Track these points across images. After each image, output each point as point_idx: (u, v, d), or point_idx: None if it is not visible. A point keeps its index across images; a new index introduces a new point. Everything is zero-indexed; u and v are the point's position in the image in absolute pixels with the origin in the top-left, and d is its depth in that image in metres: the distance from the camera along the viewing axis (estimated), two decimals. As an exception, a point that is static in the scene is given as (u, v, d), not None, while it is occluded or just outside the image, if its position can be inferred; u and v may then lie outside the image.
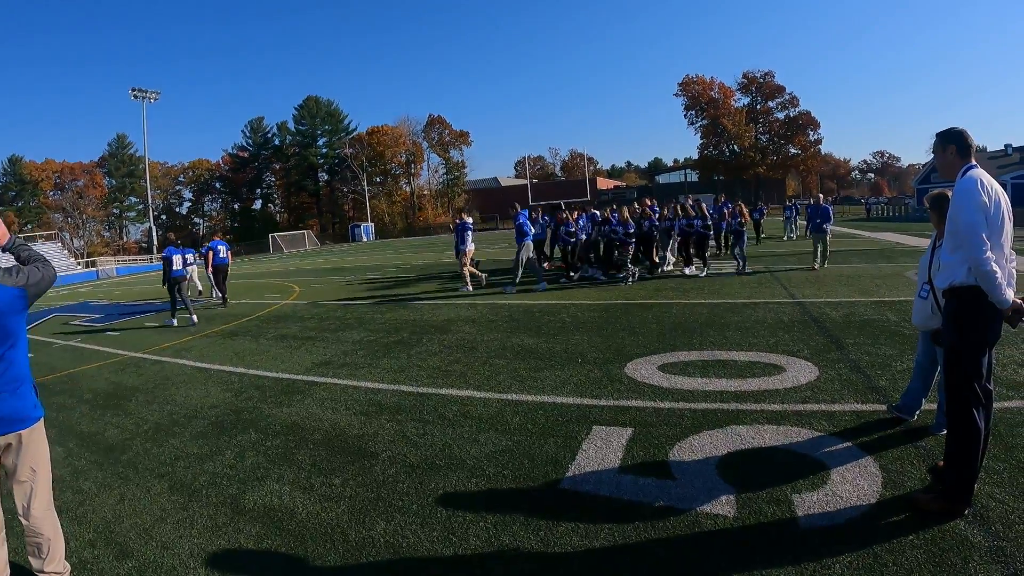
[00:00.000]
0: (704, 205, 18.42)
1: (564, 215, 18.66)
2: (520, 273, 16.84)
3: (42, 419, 3.85)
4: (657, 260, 18.74)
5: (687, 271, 17.61)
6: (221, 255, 19.09)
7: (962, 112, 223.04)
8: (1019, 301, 3.77)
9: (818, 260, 16.96)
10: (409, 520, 4.45)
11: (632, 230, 16.63)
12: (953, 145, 4.07)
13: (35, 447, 3.76)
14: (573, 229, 17.96)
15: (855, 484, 4.36)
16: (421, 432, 6.25)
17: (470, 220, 17.77)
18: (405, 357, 9.58)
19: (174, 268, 15.92)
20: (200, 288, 23.29)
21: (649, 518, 4.19)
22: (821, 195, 18.94)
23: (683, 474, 4.78)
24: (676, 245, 19.39)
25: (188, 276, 16.65)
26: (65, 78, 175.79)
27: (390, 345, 10.61)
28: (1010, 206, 3.98)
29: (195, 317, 15.85)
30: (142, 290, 30.87)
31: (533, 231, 17.13)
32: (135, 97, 71.19)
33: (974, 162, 4.01)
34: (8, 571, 3.84)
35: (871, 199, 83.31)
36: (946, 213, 4.98)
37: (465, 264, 17.48)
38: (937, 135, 4.18)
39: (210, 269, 19.33)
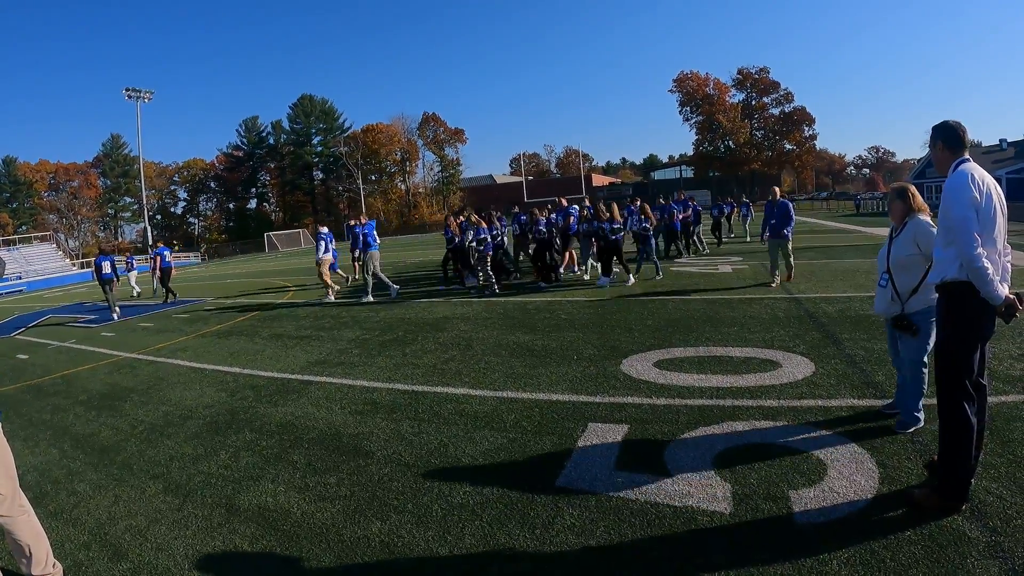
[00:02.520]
0: (615, 206, 15.95)
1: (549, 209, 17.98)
2: (386, 278, 17.15)
3: None
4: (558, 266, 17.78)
5: (586, 277, 16.97)
6: (167, 259, 22.50)
7: (958, 107, 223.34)
8: (1012, 297, 3.73)
9: (778, 275, 13.75)
10: (404, 519, 4.44)
11: (482, 235, 16.19)
12: (940, 140, 4.05)
13: None
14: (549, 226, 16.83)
15: (852, 480, 4.35)
16: (416, 431, 6.23)
17: (325, 230, 18.14)
18: (400, 355, 9.57)
19: (103, 272, 19.21)
20: (138, 290, 26.28)
21: (645, 515, 4.18)
22: (777, 189, 14.95)
23: (679, 470, 4.77)
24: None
25: (118, 279, 20.10)
26: (59, 79, 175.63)
27: (385, 343, 10.60)
28: (1003, 200, 3.94)
29: (115, 315, 18.52)
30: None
31: (375, 243, 17.20)
32: (129, 97, 70.78)
33: (967, 156, 3.96)
34: None
35: (859, 194, 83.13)
36: (909, 205, 5.06)
37: (322, 272, 17.81)
38: (932, 129, 4.14)
39: (157, 272, 22.67)
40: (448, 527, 4.27)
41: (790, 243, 13.86)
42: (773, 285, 13.29)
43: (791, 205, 14.09)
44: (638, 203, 17.70)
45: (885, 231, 5.02)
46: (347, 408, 7.22)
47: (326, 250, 17.65)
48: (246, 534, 4.47)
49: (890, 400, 5.62)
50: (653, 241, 16.87)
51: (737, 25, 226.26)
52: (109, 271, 19.24)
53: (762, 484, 4.42)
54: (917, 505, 3.91)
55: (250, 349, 11.37)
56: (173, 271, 23.07)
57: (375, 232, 17.16)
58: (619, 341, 9.12)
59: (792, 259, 13.95)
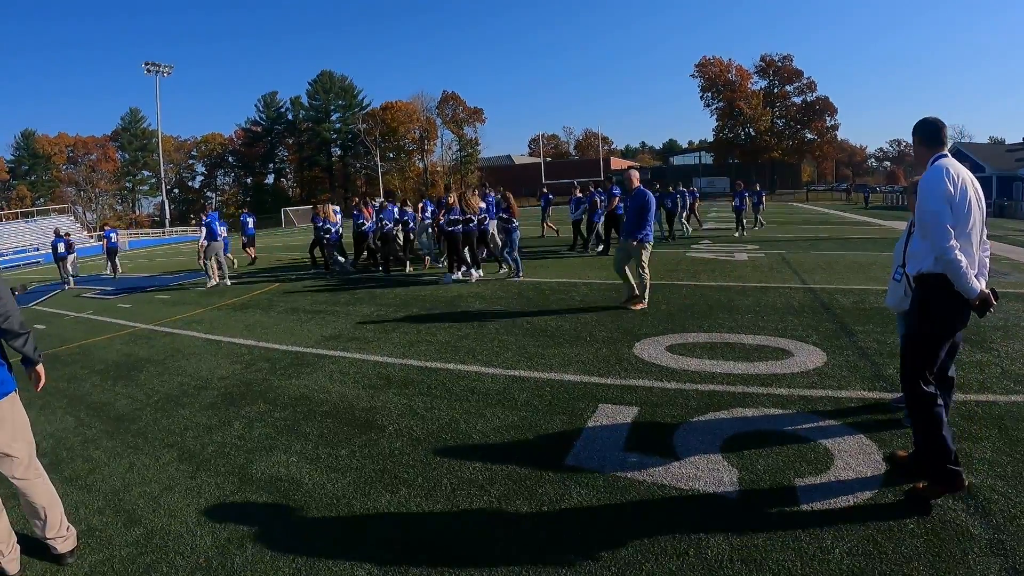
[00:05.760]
0: (456, 196, 15.07)
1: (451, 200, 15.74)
2: (221, 267, 18.24)
3: (12, 394, 3.86)
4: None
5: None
6: (112, 240, 26.30)
7: (983, 106, 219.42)
8: (987, 292, 3.78)
9: (636, 292, 10.49)
10: (414, 493, 4.50)
11: (327, 226, 18.36)
12: (919, 135, 4.15)
13: (6, 421, 3.80)
14: (455, 217, 15.07)
15: (858, 471, 4.37)
16: (428, 406, 6.30)
17: (212, 215, 18.77)
18: (414, 332, 9.63)
19: (58, 251, 23.68)
20: (76, 269, 27.53)
21: (652, 496, 4.22)
22: (635, 174, 10.90)
23: (687, 454, 4.80)
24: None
25: (69, 257, 23.94)
26: (78, 53, 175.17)
27: (400, 320, 10.67)
28: (981, 195, 4.01)
29: (67, 286, 22.33)
30: (153, 263, 31.06)
31: (221, 234, 18.35)
32: (148, 71, 71.12)
33: (945, 152, 4.05)
34: (15, 538, 3.90)
35: (867, 187, 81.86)
36: None
37: (201, 258, 18.47)
38: (915, 125, 4.23)
39: (105, 250, 26.56)
40: (457, 501, 4.33)
41: (646, 252, 10.33)
42: (637, 307, 10.29)
43: (651, 198, 10.44)
44: (502, 190, 16.82)
45: (903, 225, 4.99)
46: (360, 382, 7.28)
47: (208, 235, 18.34)
48: (258, 503, 4.55)
49: (900, 394, 5.61)
50: (517, 235, 15.03)
51: (762, 12, 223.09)
52: (63, 250, 23.67)
53: (769, 471, 4.44)
54: (919, 497, 3.93)
55: (265, 322, 11.48)
56: (118, 250, 26.87)
57: (216, 224, 18.20)
58: (632, 324, 9.14)
59: (648, 276, 10.45)
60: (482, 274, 15.25)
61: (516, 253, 14.89)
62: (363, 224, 18.56)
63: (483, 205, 15.69)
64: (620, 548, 3.65)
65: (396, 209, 18.72)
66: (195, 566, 3.79)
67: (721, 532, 3.75)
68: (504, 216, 15.11)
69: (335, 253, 18.84)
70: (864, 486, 4.14)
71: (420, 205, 19.80)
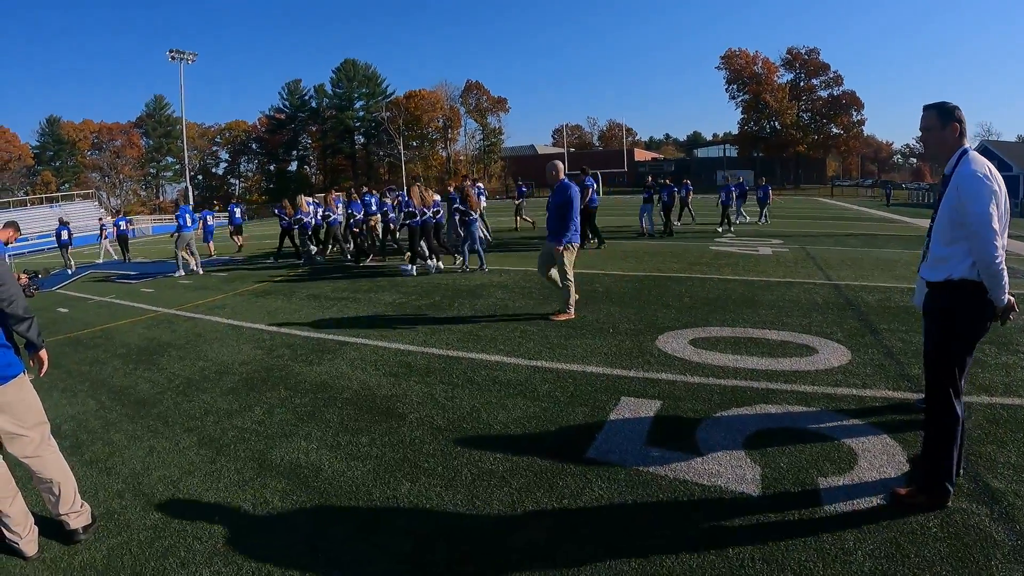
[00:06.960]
0: (417, 189, 14.98)
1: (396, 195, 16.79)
2: (187, 258, 18.92)
3: (20, 376, 3.89)
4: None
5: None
6: (122, 228, 27.90)
7: (1012, 103, 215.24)
8: (1012, 299, 3.63)
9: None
10: (434, 482, 4.49)
11: (298, 216, 19.57)
12: (958, 124, 3.77)
13: (13, 403, 3.83)
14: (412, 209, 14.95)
15: (881, 471, 4.30)
16: (449, 395, 6.29)
17: (183, 207, 19.36)
18: (436, 320, 9.64)
19: (61, 239, 25.18)
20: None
21: (673, 491, 4.18)
22: (558, 164, 9.60)
23: (709, 449, 4.75)
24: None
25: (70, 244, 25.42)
26: (104, 40, 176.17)
27: (422, 307, 10.68)
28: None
29: (70, 271, 23.40)
30: (169, 250, 31.27)
31: (189, 225, 18.99)
32: (173, 58, 71.20)
33: (968, 145, 3.80)
34: (31, 520, 3.93)
35: (889, 184, 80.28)
36: None
37: (178, 247, 18.96)
38: (935, 108, 3.84)
39: (116, 237, 28.01)
40: (477, 492, 4.31)
41: (570, 254, 9.07)
42: (559, 318, 9.14)
43: (575, 193, 9.09)
44: (462, 183, 17.20)
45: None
46: (381, 370, 7.29)
47: (184, 226, 18.82)
48: (277, 489, 4.55)
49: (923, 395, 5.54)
50: (475, 227, 14.97)
51: (789, 4, 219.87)
52: (66, 238, 25.06)
53: (792, 469, 4.39)
54: (902, 503, 3.86)
55: (287, 308, 11.53)
56: (129, 238, 28.49)
57: (186, 217, 18.90)
58: (656, 317, 9.07)
59: (572, 285, 9.21)
60: (441, 266, 15.37)
61: (474, 246, 14.91)
62: (328, 216, 19.43)
63: (437, 198, 16.05)
64: (641, 543, 3.62)
65: (374, 201, 18.97)
66: (213, 551, 3.80)
67: (743, 530, 3.71)
68: (462, 209, 14.92)
69: (307, 241, 20.05)
70: (888, 487, 4.06)
71: (395, 198, 19.99)
